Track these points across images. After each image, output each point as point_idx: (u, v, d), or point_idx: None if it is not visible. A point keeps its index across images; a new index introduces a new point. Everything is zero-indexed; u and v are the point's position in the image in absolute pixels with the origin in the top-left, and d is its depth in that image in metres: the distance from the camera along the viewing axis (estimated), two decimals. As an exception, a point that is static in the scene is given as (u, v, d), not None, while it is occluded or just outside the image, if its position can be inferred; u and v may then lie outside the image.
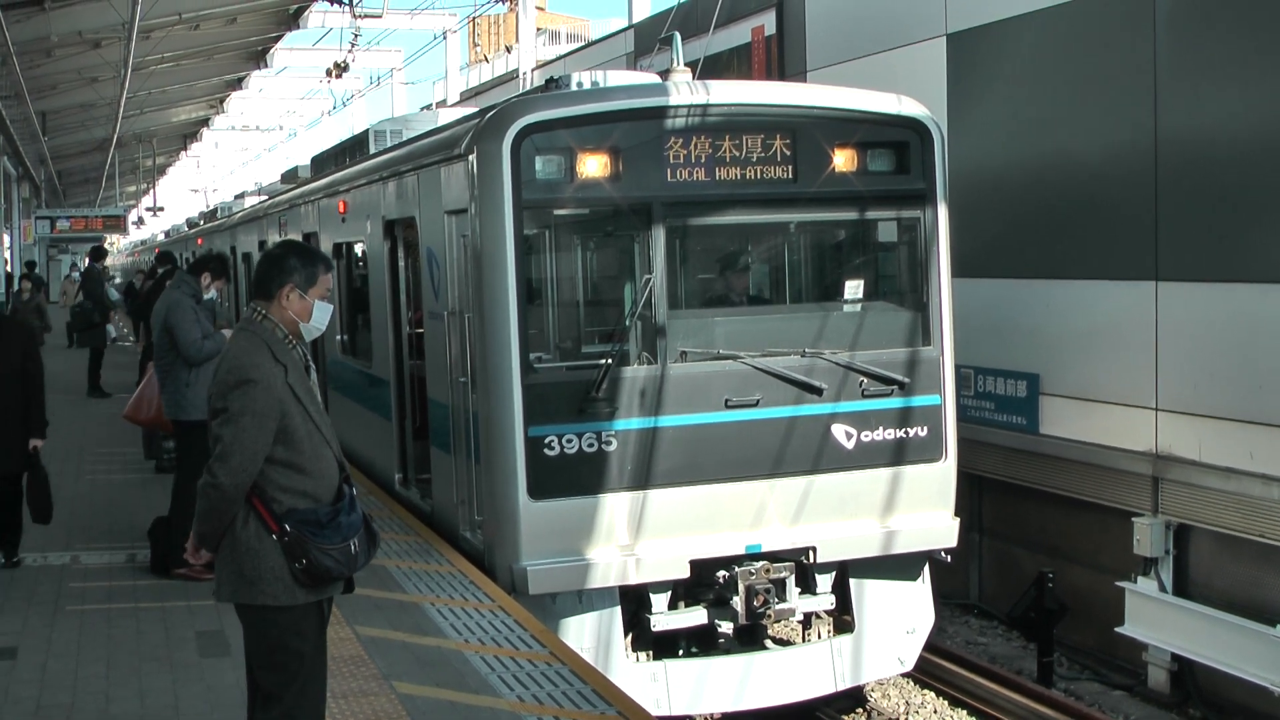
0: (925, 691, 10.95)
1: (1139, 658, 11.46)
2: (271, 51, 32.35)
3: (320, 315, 4.87)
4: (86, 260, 25.94)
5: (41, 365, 9.16)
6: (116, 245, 77.01)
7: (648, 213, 8.62)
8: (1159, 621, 11.06)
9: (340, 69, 29.14)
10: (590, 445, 8.41)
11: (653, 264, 8.58)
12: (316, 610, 4.74)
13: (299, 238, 14.98)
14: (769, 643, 9.59)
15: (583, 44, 33.79)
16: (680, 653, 9.02)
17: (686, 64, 9.29)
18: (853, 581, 9.22)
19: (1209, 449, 10.78)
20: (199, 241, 30.10)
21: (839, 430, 8.94)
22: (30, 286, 26.25)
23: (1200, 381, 10.91)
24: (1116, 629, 11.35)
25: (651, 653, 8.82)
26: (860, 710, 10.45)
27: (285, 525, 4.59)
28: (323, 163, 16.80)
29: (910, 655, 9.46)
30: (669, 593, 8.77)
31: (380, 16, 27.30)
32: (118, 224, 46.83)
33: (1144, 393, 11.42)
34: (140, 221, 57.61)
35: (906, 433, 9.10)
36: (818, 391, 8.83)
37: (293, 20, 27.85)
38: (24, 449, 8.93)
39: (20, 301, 24.47)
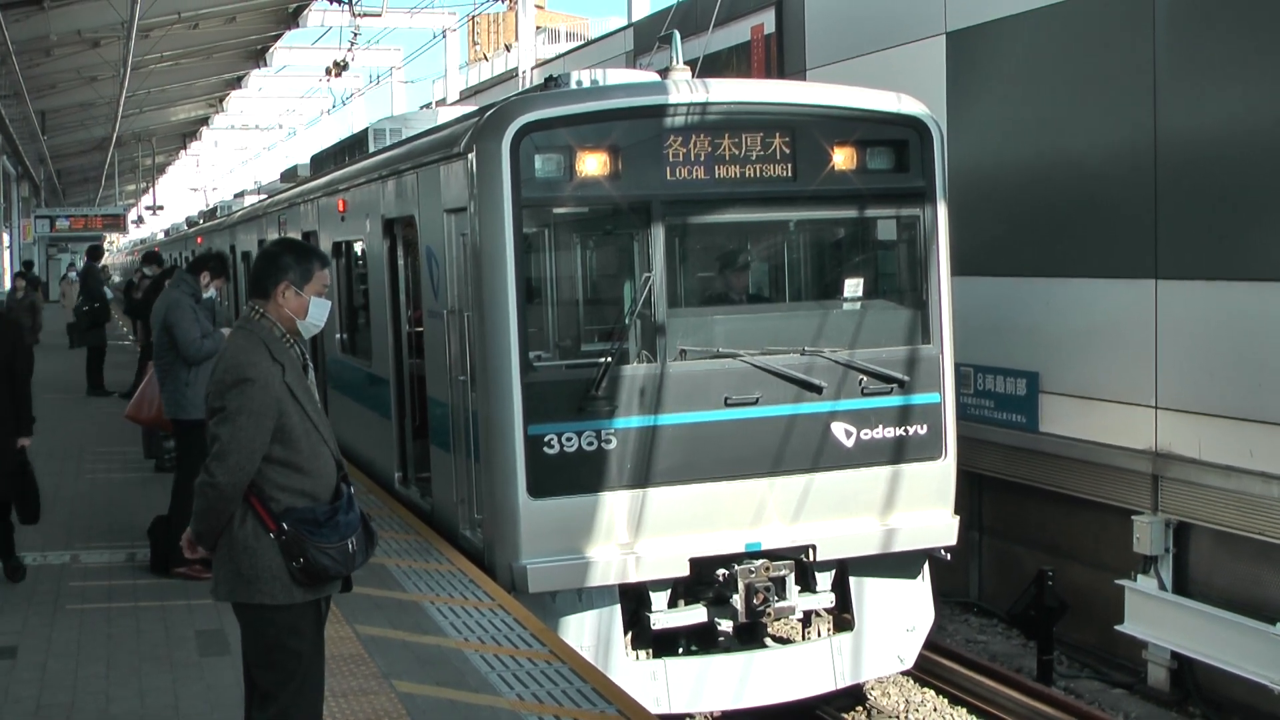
0: (925, 690, 10.95)
1: (1139, 656, 11.46)
2: (271, 50, 32.39)
3: (317, 312, 4.86)
4: (84, 259, 25.89)
5: (30, 363, 9.00)
6: (116, 244, 77.03)
7: (647, 211, 8.62)
8: (1159, 619, 11.06)
9: (340, 68, 29.14)
10: (590, 444, 8.41)
11: (652, 262, 8.57)
12: (314, 609, 4.74)
13: (298, 236, 14.98)
14: (769, 641, 9.58)
15: (582, 42, 33.80)
16: (680, 651, 9.02)
17: (686, 62, 9.27)
18: (852, 580, 9.22)
19: (1209, 447, 10.79)
20: (198, 240, 30.09)
21: (839, 428, 8.93)
22: (24, 285, 26.10)
23: (1200, 380, 10.91)
24: (1116, 627, 11.36)
25: (651, 651, 8.82)
26: (860, 708, 10.45)
27: (283, 524, 4.59)
28: (322, 161, 16.79)
29: (910, 653, 9.46)
30: (669, 591, 8.76)
31: (380, 15, 27.34)
32: (117, 223, 46.90)
33: (1144, 391, 11.43)
34: (140, 220, 57.64)
35: (906, 431, 9.10)
36: (817, 390, 8.83)
37: (292, 19, 27.89)
38: (14, 448, 8.77)
39: (14, 300, 24.37)
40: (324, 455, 4.73)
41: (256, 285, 4.84)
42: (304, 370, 4.82)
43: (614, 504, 8.45)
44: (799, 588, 8.95)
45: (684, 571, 8.60)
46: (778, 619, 9.16)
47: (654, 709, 8.19)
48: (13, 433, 8.75)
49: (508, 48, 38.44)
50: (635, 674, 8.57)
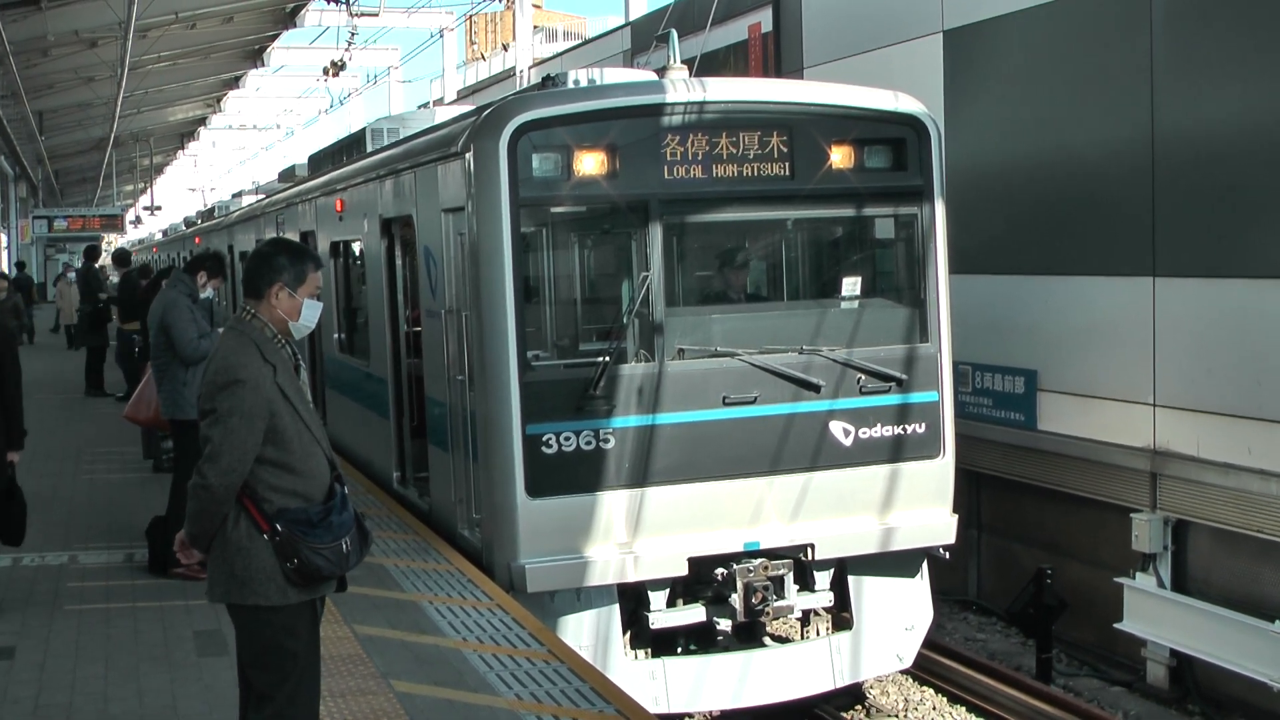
0: (924, 688, 10.95)
1: (1138, 654, 11.46)
2: (268, 50, 32.45)
3: (310, 313, 4.86)
4: (83, 260, 25.72)
5: (20, 372, 8.44)
6: (114, 245, 76.97)
7: (645, 210, 8.61)
8: (1158, 617, 11.06)
9: (337, 67, 29.11)
10: (588, 443, 8.41)
11: (650, 261, 8.57)
12: (309, 609, 4.73)
13: (296, 236, 14.98)
14: (767, 640, 9.59)
15: (579, 41, 33.79)
16: (679, 650, 9.01)
17: (683, 61, 9.27)
18: (851, 578, 9.21)
19: (1207, 445, 10.79)
20: (196, 240, 30.09)
21: (837, 427, 8.93)
22: (6, 286, 25.43)
23: (1198, 377, 10.91)
24: (1115, 625, 11.35)
25: (650, 650, 8.81)
26: (859, 707, 10.45)
27: (276, 525, 4.58)
28: (320, 161, 16.79)
29: (909, 652, 9.45)
30: (667, 590, 8.76)
31: (377, 15, 27.35)
32: (115, 223, 46.92)
33: (1142, 389, 11.42)
34: (138, 221, 57.65)
35: (904, 429, 9.09)
36: (816, 388, 8.82)
37: (290, 19, 27.94)
38: (3, 463, 8.13)
39: None
40: (316, 455, 4.73)
41: (249, 285, 4.83)
42: (296, 370, 4.81)
43: (612, 503, 8.44)
44: (797, 587, 8.94)
45: (682, 571, 8.59)
46: (776, 618, 9.16)
47: (653, 708, 8.19)
48: (2, 447, 8.11)
49: (505, 47, 38.44)
50: (634, 673, 8.57)
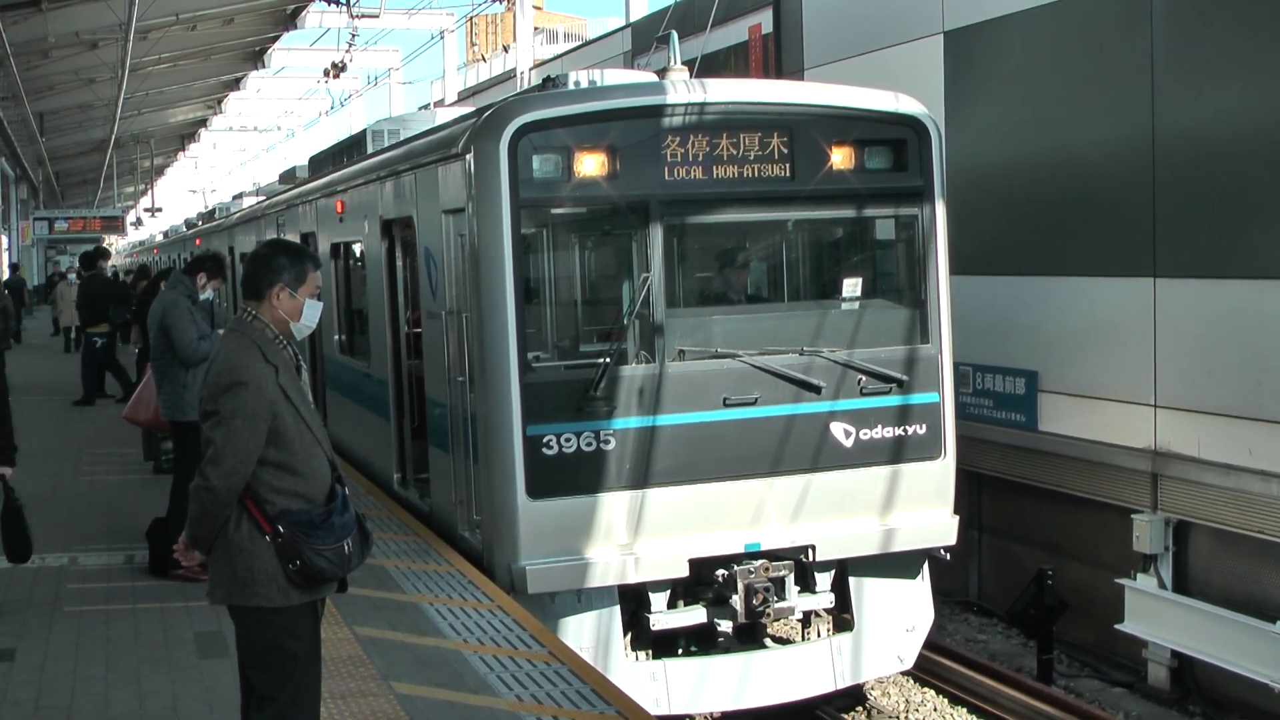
0: (925, 689, 10.94)
1: (1139, 654, 11.46)
2: (269, 52, 32.45)
3: (310, 314, 4.85)
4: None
5: (6, 386, 8.05)
6: (114, 247, 77.01)
7: (645, 211, 8.61)
8: (1159, 618, 11.06)
9: (338, 69, 29.15)
10: (589, 444, 8.40)
11: (650, 262, 8.57)
12: (310, 610, 4.73)
13: (297, 238, 14.97)
14: (768, 641, 9.58)
15: (580, 43, 33.79)
16: (679, 652, 9.01)
17: (684, 62, 9.27)
18: (852, 580, 9.21)
19: (1208, 445, 10.78)
20: (197, 242, 30.09)
21: (838, 428, 8.93)
22: None
23: (1199, 378, 10.90)
24: (1116, 626, 11.35)
25: (651, 652, 8.81)
26: (860, 709, 10.44)
27: (278, 526, 4.57)
28: (320, 163, 16.78)
29: (910, 653, 9.45)
30: (668, 592, 8.76)
31: (378, 16, 27.29)
32: (116, 225, 46.97)
33: (1143, 389, 11.42)
34: (138, 222, 57.69)
35: (905, 430, 9.09)
36: (816, 390, 8.82)
37: (290, 20, 27.94)
38: None
39: None
40: (318, 457, 4.72)
41: (249, 287, 4.82)
42: (297, 372, 4.80)
43: (613, 505, 8.44)
44: (798, 588, 8.95)
45: (683, 572, 8.59)
46: (777, 619, 9.16)
47: (653, 710, 8.18)
48: None
49: (506, 49, 38.42)
50: (635, 675, 8.56)
